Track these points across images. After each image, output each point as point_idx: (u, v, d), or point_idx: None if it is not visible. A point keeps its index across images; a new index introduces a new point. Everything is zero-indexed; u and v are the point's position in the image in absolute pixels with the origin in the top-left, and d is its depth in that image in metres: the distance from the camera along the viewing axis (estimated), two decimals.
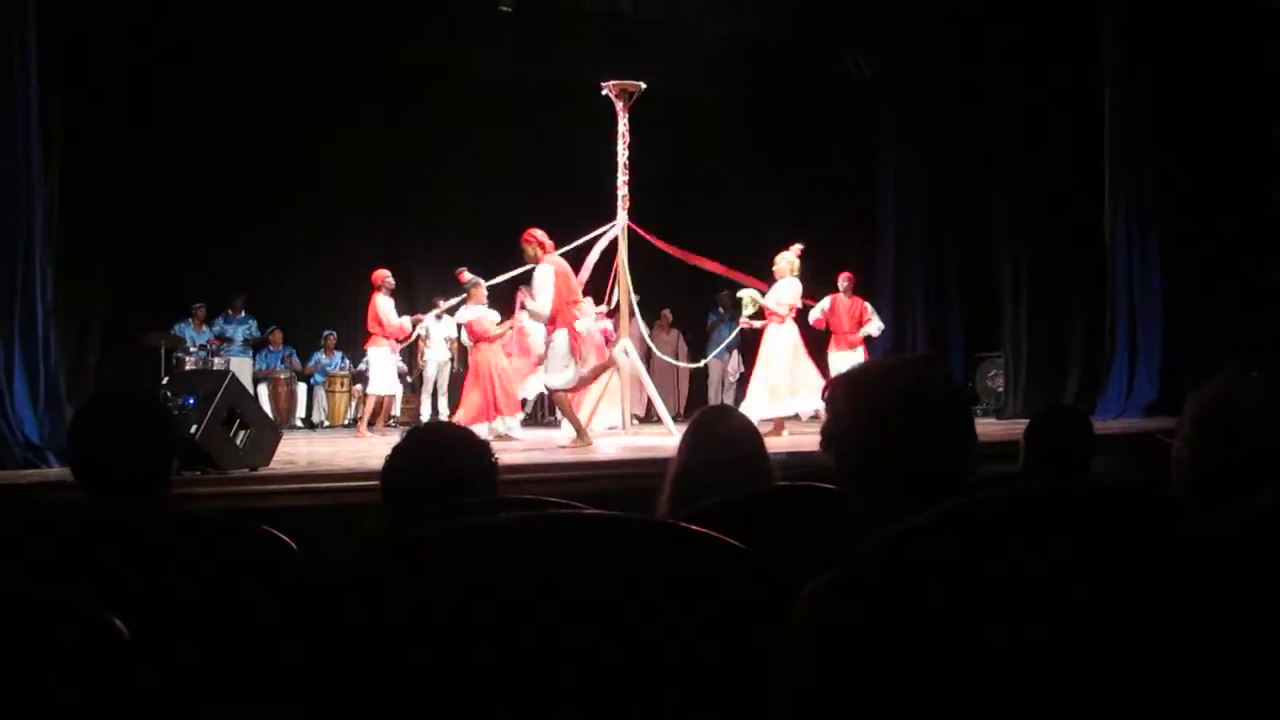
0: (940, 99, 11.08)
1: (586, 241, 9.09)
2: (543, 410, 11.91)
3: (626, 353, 9.14)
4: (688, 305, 13.12)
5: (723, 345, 11.67)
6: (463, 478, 1.95)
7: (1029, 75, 10.10)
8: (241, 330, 12.08)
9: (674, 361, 11.69)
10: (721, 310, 12.57)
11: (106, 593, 1.74)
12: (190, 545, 1.99)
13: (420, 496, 1.93)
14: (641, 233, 9.10)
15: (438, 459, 1.97)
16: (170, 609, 1.78)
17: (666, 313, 12.72)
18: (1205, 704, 1.04)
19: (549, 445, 8.03)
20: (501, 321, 9.27)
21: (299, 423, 12.36)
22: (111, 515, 2.05)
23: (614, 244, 8.99)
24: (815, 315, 9.97)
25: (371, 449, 7.80)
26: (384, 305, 9.61)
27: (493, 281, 9.34)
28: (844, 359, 9.76)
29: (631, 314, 9.19)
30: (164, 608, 1.77)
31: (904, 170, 11.65)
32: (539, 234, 7.82)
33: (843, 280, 10.14)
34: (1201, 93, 8.80)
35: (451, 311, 10.18)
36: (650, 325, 11.08)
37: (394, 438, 2.37)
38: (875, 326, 10.15)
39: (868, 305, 10.29)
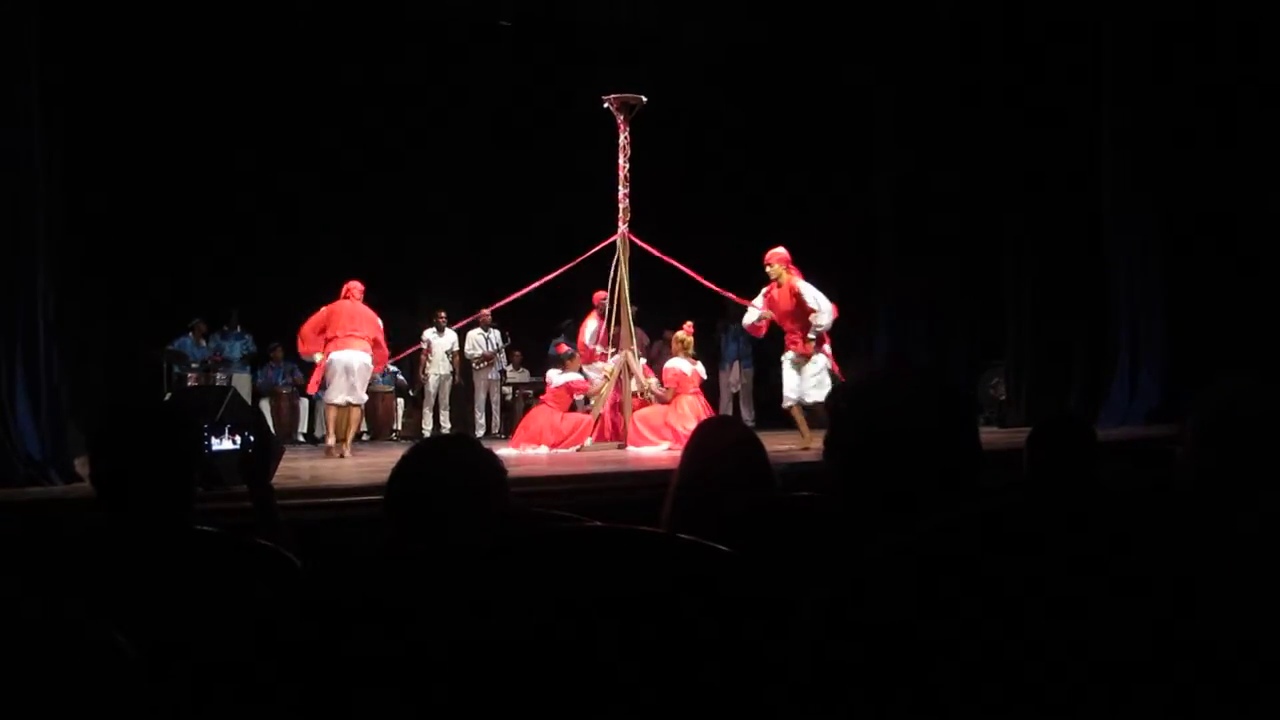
0: (939, 106, 11.09)
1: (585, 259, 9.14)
2: None
3: (628, 365, 9.16)
4: (695, 316, 13.09)
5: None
6: (468, 491, 1.94)
7: (1029, 81, 10.11)
8: (239, 346, 12.10)
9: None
10: (733, 323, 12.45)
11: (117, 607, 1.74)
12: (196, 561, 1.99)
13: (426, 509, 1.92)
14: (638, 242, 9.10)
15: (444, 472, 1.96)
16: (178, 624, 1.77)
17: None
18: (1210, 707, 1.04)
19: (554, 460, 8.11)
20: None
21: (300, 437, 12.37)
22: (125, 531, 2.05)
23: (616, 258, 9.03)
24: (754, 319, 8.76)
25: (374, 464, 7.80)
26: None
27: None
28: (795, 364, 8.55)
29: (632, 325, 9.22)
30: (173, 623, 1.77)
31: (904, 177, 11.65)
32: (352, 284, 9.04)
33: (772, 266, 8.57)
34: (1202, 96, 8.81)
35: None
36: (655, 338, 11.08)
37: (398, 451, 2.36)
38: (824, 318, 8.36)
39: (801, 287, 8.40)
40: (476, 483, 1.94)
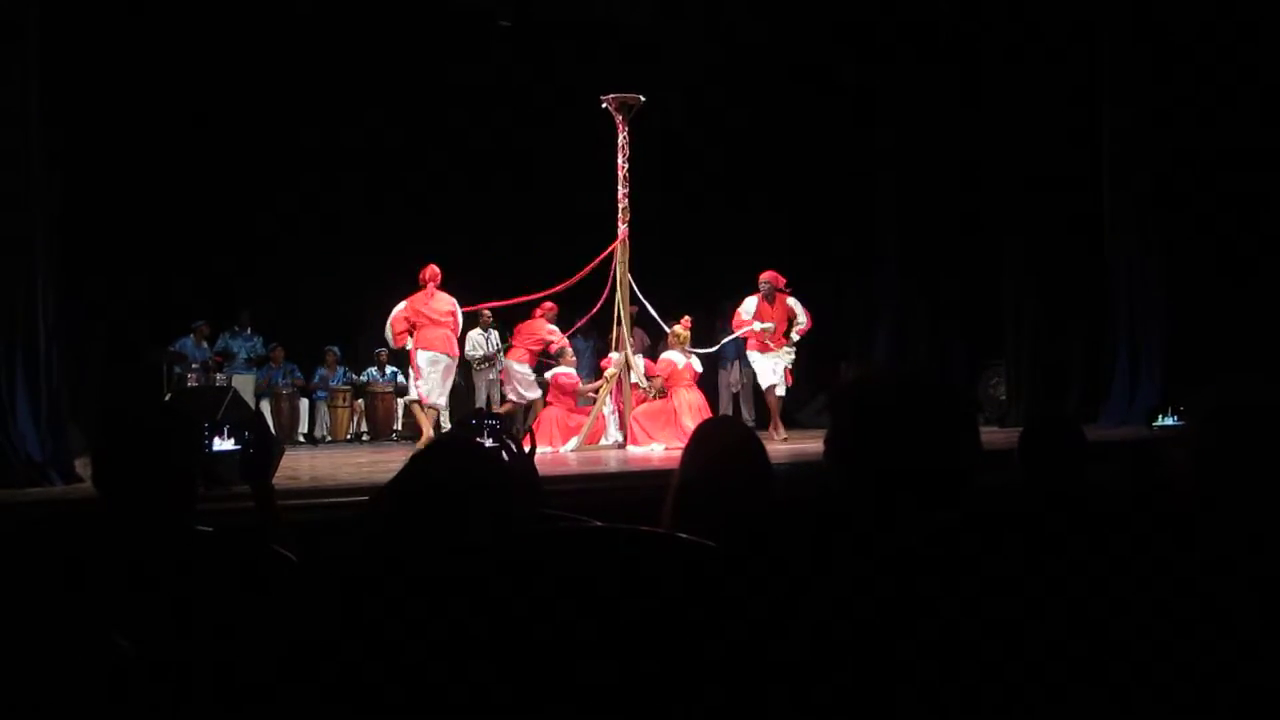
0: (940, 107, 11.10)
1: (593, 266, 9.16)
2: None
3: (629, 365, 9.16)
4: (695, 314, 13.10)
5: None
6: (477, 492, 1.94)
7: (1030, 81, 10.12)
8: (246, 347, 12.10)
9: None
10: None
11: (117, 607, 1.74)
12: (196, 561, 1.99)
13: (434, 510, 1.92)
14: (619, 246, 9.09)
15: (454, 472, 1.96)
16: (179, 623, 1.78)
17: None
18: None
19: (554, 460, 8.14)
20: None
21: (301, 438, 12.37)
22: (127, 531, 2.05)
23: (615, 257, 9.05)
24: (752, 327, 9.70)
25: (373, 464, 7.81)
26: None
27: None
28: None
29: (634, 326, 9.23)
30: (173, 622, 1.77)
31: (905, 178, 11.66)
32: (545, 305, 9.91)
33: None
34: (1201, 97, 8.81)
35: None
36: (655, 339, 11.06)
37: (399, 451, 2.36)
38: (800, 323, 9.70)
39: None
40: (484, 484, 1.94)
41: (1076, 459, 3.07)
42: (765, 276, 9.68)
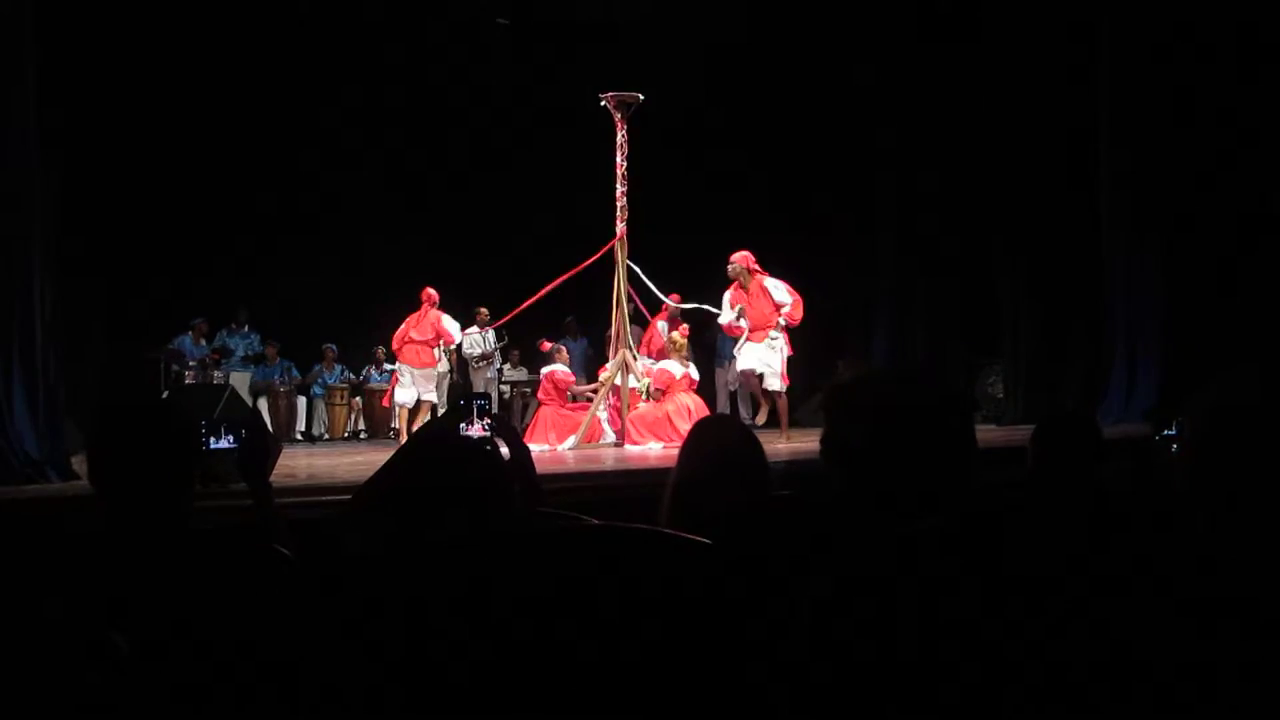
0: (938, 105, 11.09)
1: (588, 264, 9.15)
2: None
3: (627, 364, 9.15)
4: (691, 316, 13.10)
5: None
6: (469, 487, 1.94)
7: (1026, 79, 10.12)
8: (243, 344, 12.10)
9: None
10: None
11: (114, 605, 1.74)
12: (193, 559, 1.99)
13: (426, 505, 1.92)
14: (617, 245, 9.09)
15: (444, 468, 1.96)
16: (175, 622, 1.77)
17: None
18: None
19: (552, 459, 8.16)
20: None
21: (298, 435, 12.35)
22: (123, 529, 2.04)
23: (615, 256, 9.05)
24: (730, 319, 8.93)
25: (371, 462, 7.80)
26: None
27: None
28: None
29: (632, 324, 9.23)
30: (170, 621, 1.77)
31: (903, 176, 11.65)
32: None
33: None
34: (1199, 96, 8.81)
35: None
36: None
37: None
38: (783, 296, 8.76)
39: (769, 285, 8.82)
40: (476, 481, 1.94)
41: (1090, 456, 3.03)
42: (734, 258, 8.88)
